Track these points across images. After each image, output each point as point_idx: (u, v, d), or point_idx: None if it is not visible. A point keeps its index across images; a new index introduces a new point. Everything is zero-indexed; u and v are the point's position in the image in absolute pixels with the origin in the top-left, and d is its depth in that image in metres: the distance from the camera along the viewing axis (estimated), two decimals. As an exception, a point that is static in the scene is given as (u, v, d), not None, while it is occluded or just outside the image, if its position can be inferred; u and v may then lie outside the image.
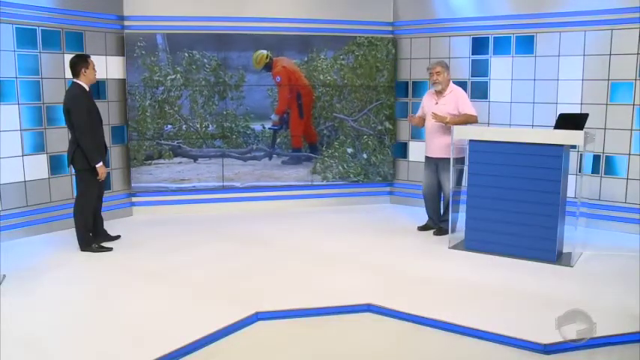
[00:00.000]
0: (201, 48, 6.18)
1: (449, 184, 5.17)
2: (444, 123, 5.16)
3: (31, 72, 5.36)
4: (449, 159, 5.06)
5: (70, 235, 5.15)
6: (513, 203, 4.69)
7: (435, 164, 5.41)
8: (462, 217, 5.17)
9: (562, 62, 5.71)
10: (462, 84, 5.89)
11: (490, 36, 6.09)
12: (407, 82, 6.69)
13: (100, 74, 5.47)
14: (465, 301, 3.86)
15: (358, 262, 4.68)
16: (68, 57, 4.98)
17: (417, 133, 6.63)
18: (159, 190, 6.29)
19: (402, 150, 6.84)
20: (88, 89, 4.84)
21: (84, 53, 5.31)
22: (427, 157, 5.50)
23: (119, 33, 6.02)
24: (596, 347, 3.22)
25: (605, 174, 5.62)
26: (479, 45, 6.17)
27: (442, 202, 5.54)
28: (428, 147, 5.48)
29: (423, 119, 5.49)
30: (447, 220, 5.30)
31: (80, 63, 4.80)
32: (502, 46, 6.04)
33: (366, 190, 6.88)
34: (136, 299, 3.91)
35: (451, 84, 5.34)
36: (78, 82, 4.81)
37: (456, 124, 5.06)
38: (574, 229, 4.69)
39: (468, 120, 5.17)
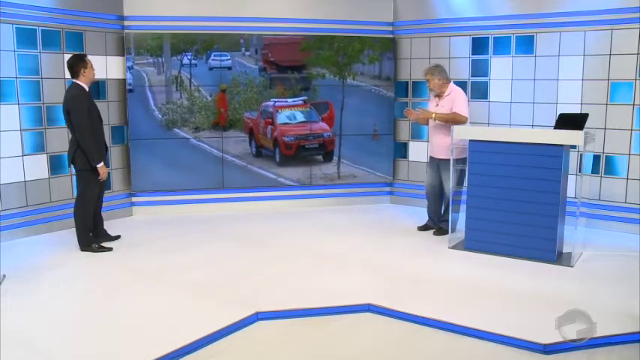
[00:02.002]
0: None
1: (449, 183, 5.17)
2: (431, 118, 5.25)
3: (31, 72, 5.36)
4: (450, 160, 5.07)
5: (70, 235, 5.15)
6: (513, 203, 4.68)
7: (437, 164, 5.42)
8: (462, 217, 5.17)
9: (562, 62, 5.71)
10: (462, 84, 5.88)
11: (490, 36, 6.08)
12: (407, 82, 6.69)
13: (100, 74, 5.47)
14: (465, 301, 3.85)
15: (358, 262, 4.68)
16: (68, 57, 4.97)
17: (417, 133, 6.64)
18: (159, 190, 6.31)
19: (401, 150, 6.84)
20: (87, 89, 4.84)
21: (81, 53, 5.28)
22: (431, 157, 5.52)
23: (119, 33, 6.02)
24: (596, 347, 3.21)
25: (605, 174, 5.61)
26: (479, 45, 6.17)
27: (443, 202, 5.54)
28: (431, 147, 5.52)
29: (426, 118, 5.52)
30: (447, 220, 5.30)
31: (79, 63, 4.79)
32: (502, 46, 6.04)
33: (366, 190, 6.87)
34: (136, 299, 3.91)
35: (451, 85, 5.35)
36: (77, 82, 4.80)
37: (443, 121, 5.17)
38: (574, 229, 4.68)
39: (455, 118, 5.15)
